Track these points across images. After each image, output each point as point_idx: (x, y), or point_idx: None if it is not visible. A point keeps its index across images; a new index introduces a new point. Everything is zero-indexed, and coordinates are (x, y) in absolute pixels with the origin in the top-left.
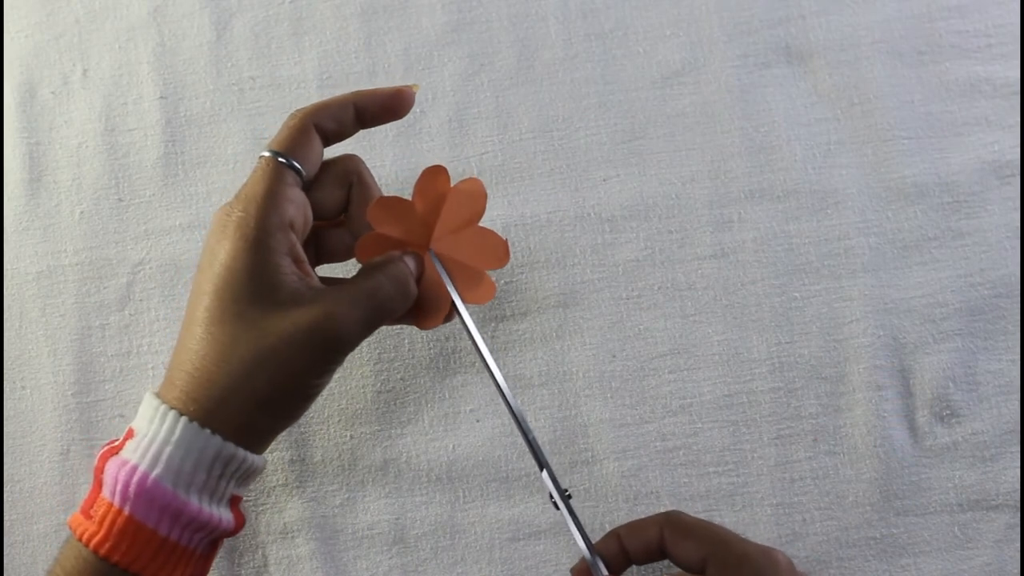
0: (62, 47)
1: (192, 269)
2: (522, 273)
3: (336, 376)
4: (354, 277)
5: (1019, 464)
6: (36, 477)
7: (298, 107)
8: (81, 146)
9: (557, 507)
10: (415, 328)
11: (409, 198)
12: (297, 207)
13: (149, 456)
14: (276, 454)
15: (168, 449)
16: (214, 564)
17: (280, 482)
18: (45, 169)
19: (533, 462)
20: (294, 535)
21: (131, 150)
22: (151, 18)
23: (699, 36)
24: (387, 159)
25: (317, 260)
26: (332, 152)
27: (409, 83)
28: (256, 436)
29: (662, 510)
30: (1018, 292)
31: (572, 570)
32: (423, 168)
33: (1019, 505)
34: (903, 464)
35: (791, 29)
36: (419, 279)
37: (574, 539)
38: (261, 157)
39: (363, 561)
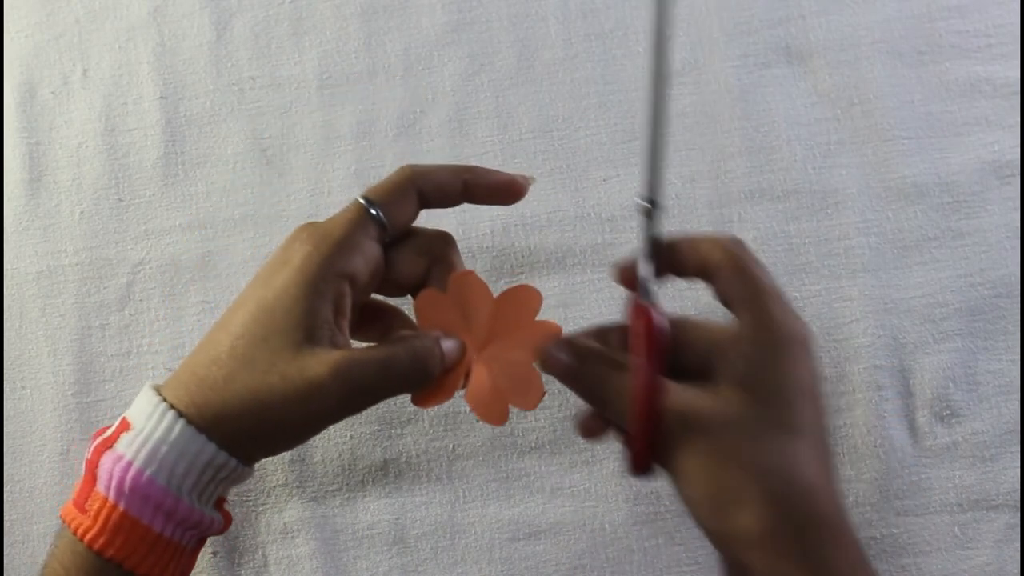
0: (62, 47)
1: (192, 269)
2: (522, 273)
3: None
4: (378, 344)
5: (1019, 464)
6: (36, 477)
7: (298, 107)
8: (81, 146)
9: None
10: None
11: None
12: (366, 260)
13: (144, 453)
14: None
15: (164, 448)
16: (215, 564)
17: (280, 482)
18: (45, 169)
19: (533, 462)
20: (294, 535)
21: (131, 150)
22: (151, 18)
23: (699, 36)
24: (387, 159)
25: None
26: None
27: (526, 174)
28: (247, 458)
29: (662, 510)
30: (1018, 292)
31: (615, 264)
32: (454, 276)
33: (1019, 505)
34: (903, 464)
35: (791, 29)
36: (454, 364)
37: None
38: (355, 200)
39: (363, 561)
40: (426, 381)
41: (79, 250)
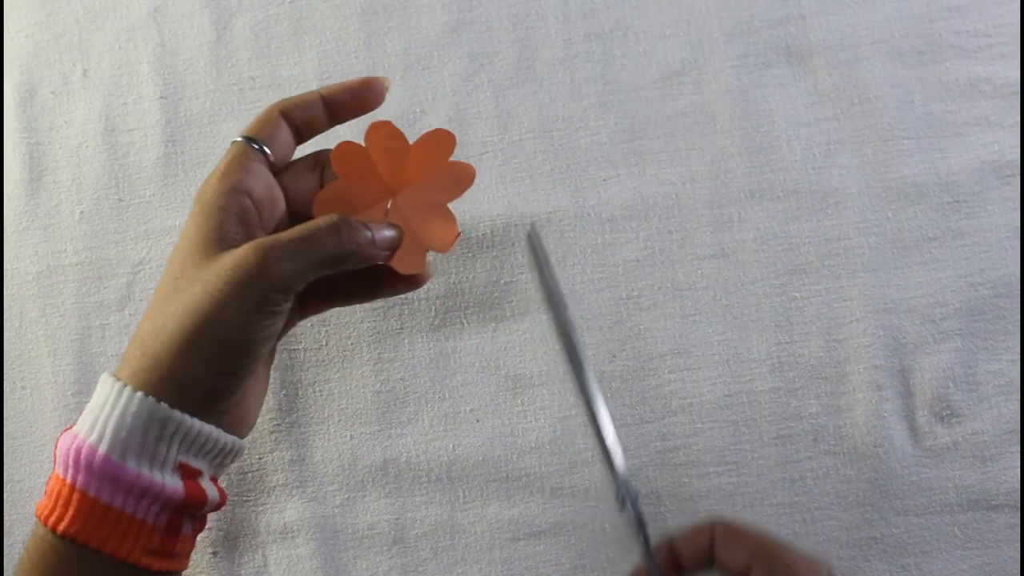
0: (62, 47)
1: None
2: (522, 273)
3: (336, 376)
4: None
5: (1019, 464)
6: (36, 477)
7: None
8: (81, 146)
9: (623, 508)
10: (415, 328)
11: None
12: (257, 179)
13: (87, 425)
14: (276, 454)
15: (103, 415)
16: (215, 564)
17: (280, 482)
18: (45, 169)
19: (533, 461)
20: (294, 535)
21: (131, 150)
22: (151, 18)
23: (699, 36)
24: None
25: (334, 302)
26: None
27: (382, 76)
28: (197, 396)
29: (663, 510)
30: (1018, 292)
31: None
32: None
33: (1019, 505)
34: (903, 464)
35: (791, 29)
36: (394, 248)
37: (634, 545)
38: (232, 140)
39: (363, 561)
40: (355, 258)
41: (79, 250)
